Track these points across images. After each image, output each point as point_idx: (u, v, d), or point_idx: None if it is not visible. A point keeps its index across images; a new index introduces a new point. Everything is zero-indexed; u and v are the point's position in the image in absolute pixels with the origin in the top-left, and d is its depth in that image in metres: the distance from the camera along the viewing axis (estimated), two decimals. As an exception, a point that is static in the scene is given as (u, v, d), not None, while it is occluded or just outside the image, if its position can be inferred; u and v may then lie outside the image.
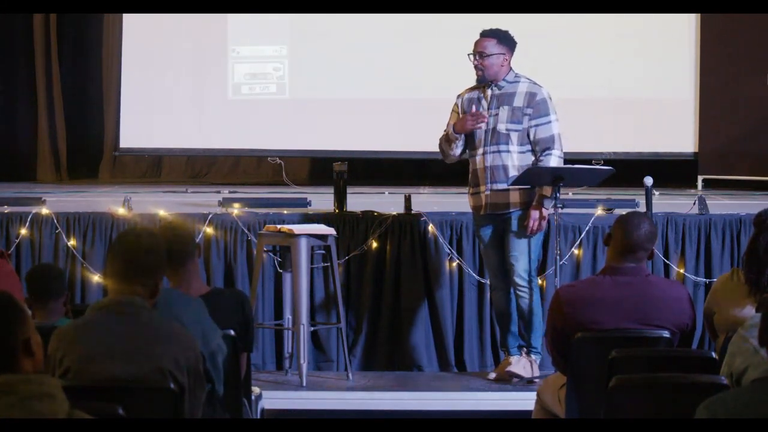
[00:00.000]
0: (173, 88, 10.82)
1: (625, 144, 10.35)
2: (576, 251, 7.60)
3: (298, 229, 7.14)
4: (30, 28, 11.63)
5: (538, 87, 7.04)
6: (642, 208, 7.52)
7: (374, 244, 7.61)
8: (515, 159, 6.96)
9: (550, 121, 6.98)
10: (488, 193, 6.98)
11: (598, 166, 7.90)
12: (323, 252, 7.33)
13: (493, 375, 7.20)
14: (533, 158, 6.98)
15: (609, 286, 5.03)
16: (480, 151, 7.00)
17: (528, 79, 7.07)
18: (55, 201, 8.25)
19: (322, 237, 7.20)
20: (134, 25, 10.81)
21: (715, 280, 6.22)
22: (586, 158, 9.33)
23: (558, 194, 7.10)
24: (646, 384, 4.38)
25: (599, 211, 7.65)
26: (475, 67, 7.00)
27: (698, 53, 10.23)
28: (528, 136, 6.97)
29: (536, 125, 6.96)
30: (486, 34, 7.07)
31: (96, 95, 11.71)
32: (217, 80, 10.74)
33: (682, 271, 7.56)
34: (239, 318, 5.02)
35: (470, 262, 7.59)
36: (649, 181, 7.48)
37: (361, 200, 8.09)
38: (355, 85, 10.51)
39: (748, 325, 4.29)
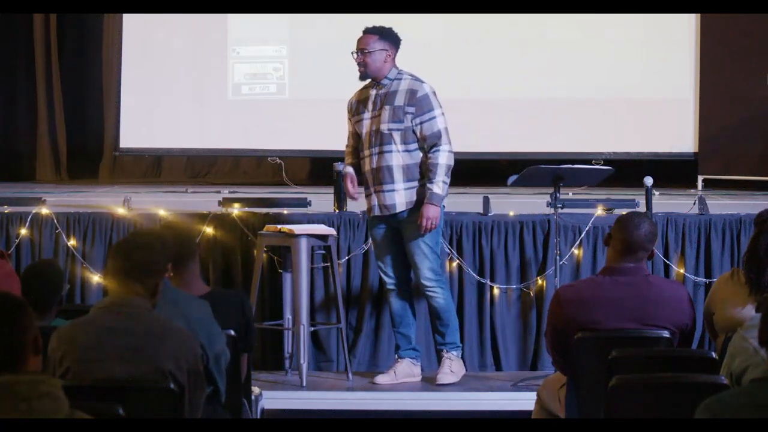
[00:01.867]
0: (173, 88, 10.81)
1: (625, 144, 10.34)
2: (576, 251, 7.60)
3: (298, 229, 7.14)
4: (30, 28, 11.63)
5: (419, 83, 6.93)
6: (642, 208, 7.52)
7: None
8: (400, 158, 6.88)
9: (434, 117, 6.86)
10: (374, 195, 6.93)
11: (598, 166, 7.90)
12: (323, 252, 7.33)
13: (380, 379, 7.14)
14: (422, 155, 6.90)
15: (609, 286, 5.03)
16: (367, 153, 6.96)
17: (411, 75, 6.99)
18: (55, 201, 8.25)
19: (322, 237, 7.20)
20: (134, 25, 10.80)
21: (715, 280, 6.22)
22: (586, 158, 9.33)
23: (558, 194, 7.10)
24: (646, 384, 4.38)
25: (599, 211, 7.65)
26: (358, 64, 6.97)
27: (698, 53, 10.22)
28: (414, 133, 6.89)
29: (420, 122, 6.86)
30: (368, 31, 7.06)
31: (96, 95, 11.70)
32: (217, 80, 10.73)
33: (682, 271, 7.56)
34: (239, 318, 5.02)
35: (470, 262, 7.59)
36: (649, 181, 7.48)
37: (361, 200, 8.07)
38: (355, 85, 10.47)
39: (747, 325, 4.30)
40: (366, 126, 6.96)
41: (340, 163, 7.93)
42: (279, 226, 7.22)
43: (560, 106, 10.38)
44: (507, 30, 10.34)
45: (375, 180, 6.92)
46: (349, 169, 7.05)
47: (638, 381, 4.40)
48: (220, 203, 7.91)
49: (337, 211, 7.79)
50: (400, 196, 6.89)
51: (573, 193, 8.60)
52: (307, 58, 10.62)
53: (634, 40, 10.35)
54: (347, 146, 7.14)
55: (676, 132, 10.36)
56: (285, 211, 7.82)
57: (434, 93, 6.93)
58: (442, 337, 7.08)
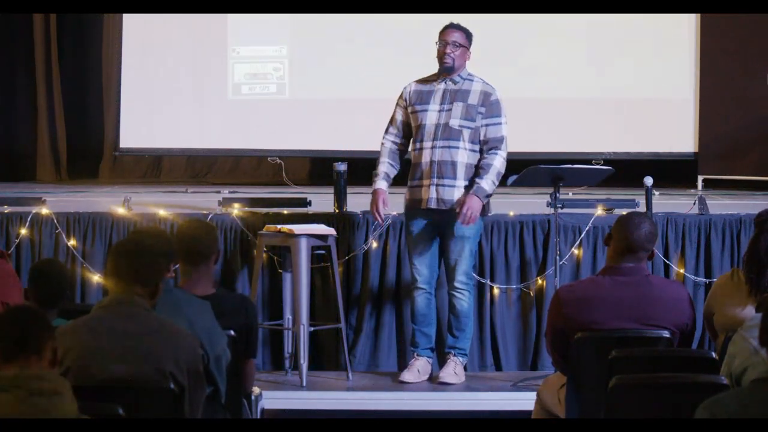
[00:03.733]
0: (173, 88, 10.80)
1: (625, 144, 10.34)
2: (576, 251, 7.60)
3: (298, 229, 7.14)
4: (30, 28, 11.62)
5: (491, 87, 7.05)
6: (642, 208, 7.52)
7: (374, 244, 7.61)
8: (465, 156, 6.95)
9: (500, 123, 6.99)
10: (433, 187, 6.96)
11: (598, 166, 7.90)
12: (323, 252, 7.33)
13: (408, 377, 7.13)
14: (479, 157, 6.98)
15: (609, 286, 5.04)
16: (428, 144, 6.98)
17: (481, 78, 7.09)
18: (55, 201, 8.25)
19: (322, 237, 7.20)
20: (134, 25, 10.80)
21: (715, 280, 6.22)
22: (586, 158, 9.33)
23: (558, 194, 7.10)
24: (646, 384, 4.38)
25: (599, 211, 7.65)
26: (446, 54, 7.01)
27: (698, 53, 10.22)
28: (479, 134, 6.96)
29: (488, 124, 6.96)
30: (456, 27, 7.13)
31: (96, 95, 11.70)
32: (217, 80, 10.72)
33: (682, 271, 7.56)
34: (241, 322, 5.00)
35: (470, 262, 7.58)
36: (649, 181, 7.48)
37: (361, 200, 8.08)
38: (355, 85, 10.49)
39: (748, 325, 4.30)
40: (431, 118, 6.99)
41: (340, 162, 7.94)
42: (279, 226, 7.22)
43: (560, 106, 10.38)
44: (506, 29, 10.33)
45: (437, 173, 6.94)
46: (382, 186, 7.07)
47: (638, 381, 4.40)
48: (220, 203, 7.91)
49: (337, 211, 7.79)
50: (459, 192, 6.94)
51: (573, 193, 8.60)
52: (307, 58, 10.62)
53: (635, 40, 10.35)
54: (388, 133, 7.15)
55: (676, 132, 10.35)
56: (285, 211, 7.82)
57: (501, 100, 7.06)
58: (455, 339, 7.09)
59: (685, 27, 10.27)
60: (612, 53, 10.36)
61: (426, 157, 6.98)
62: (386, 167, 7.13)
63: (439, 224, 7.01)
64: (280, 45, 10.68)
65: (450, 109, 6.97)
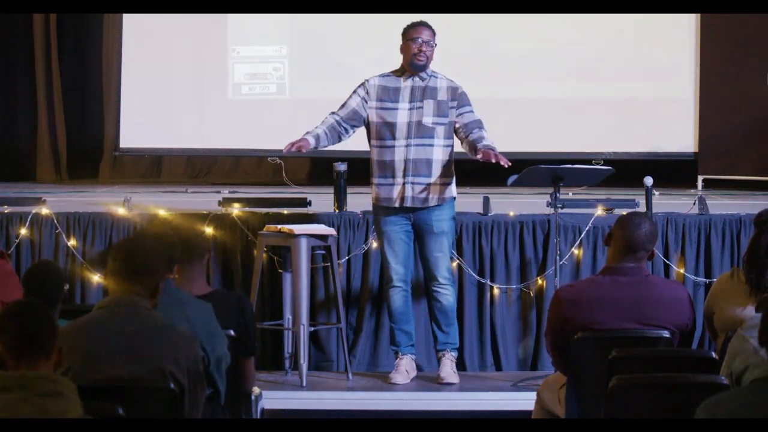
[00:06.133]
0: (173, 88, 10.81)
1: (625, 144, 10.35)
2: (576, 251, 7.60)
3: (298, 229, 7.14)
4: (30, 28, 11.63)
5: (456, 83, 7.11)
6: (642, 208, 7.52)
7: (374, 244, 7.61)
8: (439, 153, 6.97)
9: (473, 110, 7.05)
10: (409, 185, 6.97)
11: (598, 166, 7.90)
12: (323, 252, 7.33)
13: (399, 379, 7.13)
14: (452, 151, 7.03)
15: (609, 286, 5.04)
16: (402, 142, 6.99)
17: (443, 75, 7.13)
18: (55, 201, 8.25)
19: (322, 237, 7.20)
20: (134, 25, 10.80)
21: (715, 280, 6.22)
22: (586, 158, 9.33)
23: (558, 194, 7.10)
24: (646, 384, 4.38)
25: (599, 211, 7.65)
26: (422, 53, 7.03)
27: (698, 53, 10.23)
28: (455, 126, 7.00)
29: (462, 113, 7.01)
30: (427, 25, 7.17)
31: (96, 95, 11.70)
32: (217, 80, 10.73)
33: (682, 271, 7.56)
34: (238, 321, 4.99)
35: (470, 262, 7.59)
36: (649, 181, 7.48)
37: (361, 200, 8.09)
38: (355, 85, 10.48)
39: (747, 325, 4.31)
40: (402, 116, 7.01)
41: (339, 163, 7.94)
42: (279, 226, 7.22)
43: (560, 106, 10.38)
44: (506, 30, 10.34)
45: (412, 171, 6.95)
46: (308, 138, 7.06)
47: (638, 381, 4.40)
48: (220, 203, 7.91)
49: (337, 211, 7.79)
50: (435, 189, 6.96)
51: (573, 193, 8.60)
52: (307, 58, 10.62)
53: (634, 40, 10.35)
54: (335, 113, 7.11)
55: (676, 132, 10.36)
56: (285, 211, 7.82)
57: None
58: (446, 336, 7.10)
59: (685, 27, 10.27)
60: (612, 53, 10.36)
61: (399, 155, 6.98)
62: (321, 131, 7.10)
63: (416, 222, 7.02)
64: (280, 45, 10.68)
65: (421, 107, 6.99)
